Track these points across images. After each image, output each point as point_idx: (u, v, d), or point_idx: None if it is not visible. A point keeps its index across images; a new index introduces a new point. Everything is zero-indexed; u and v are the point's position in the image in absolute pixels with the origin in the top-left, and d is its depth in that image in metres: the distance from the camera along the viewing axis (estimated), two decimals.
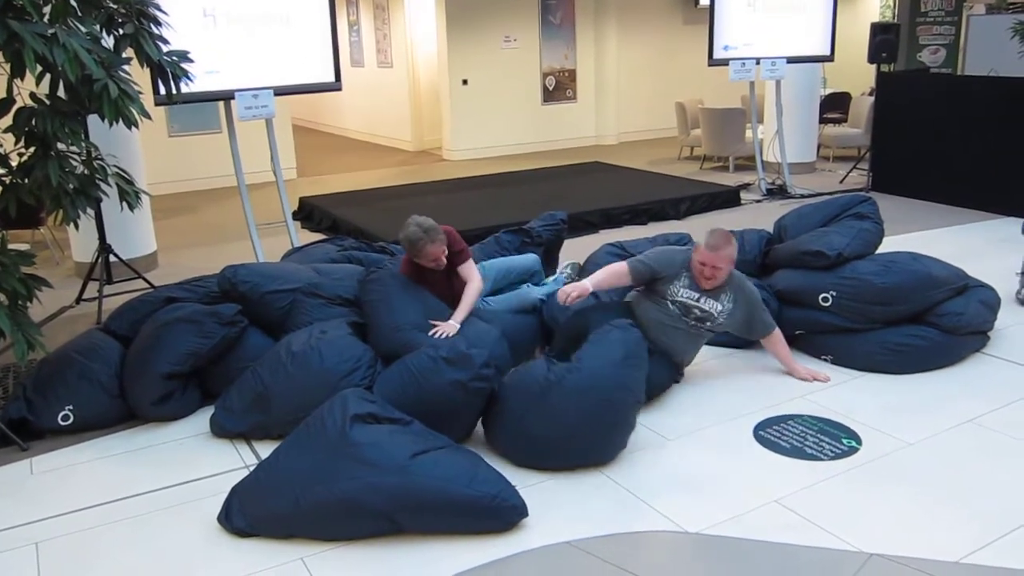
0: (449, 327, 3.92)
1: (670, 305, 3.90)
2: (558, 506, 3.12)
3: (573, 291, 3.83)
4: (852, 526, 2.94)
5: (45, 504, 3.26)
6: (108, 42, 3.75)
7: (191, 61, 3.98)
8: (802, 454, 3.45)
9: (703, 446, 3.55)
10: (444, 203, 7.76)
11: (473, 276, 4.17)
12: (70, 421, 3.78)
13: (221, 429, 3.75)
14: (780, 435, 3.61)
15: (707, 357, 4.38)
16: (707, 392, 4.05)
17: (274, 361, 3.78)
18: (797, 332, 4.41)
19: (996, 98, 7.39)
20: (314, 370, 3.68)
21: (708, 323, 3.93)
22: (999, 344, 4.49)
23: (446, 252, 4.10)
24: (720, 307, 3.91)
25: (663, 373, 3.92)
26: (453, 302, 4.12)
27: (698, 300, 3.89)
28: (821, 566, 2.75)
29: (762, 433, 3.63)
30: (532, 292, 4.51)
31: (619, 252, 5.34)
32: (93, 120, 4.59)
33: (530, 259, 4.74)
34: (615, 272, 3.98)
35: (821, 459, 3.41)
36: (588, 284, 3.88)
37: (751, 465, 3.38)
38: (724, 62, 8.39)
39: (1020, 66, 8.99)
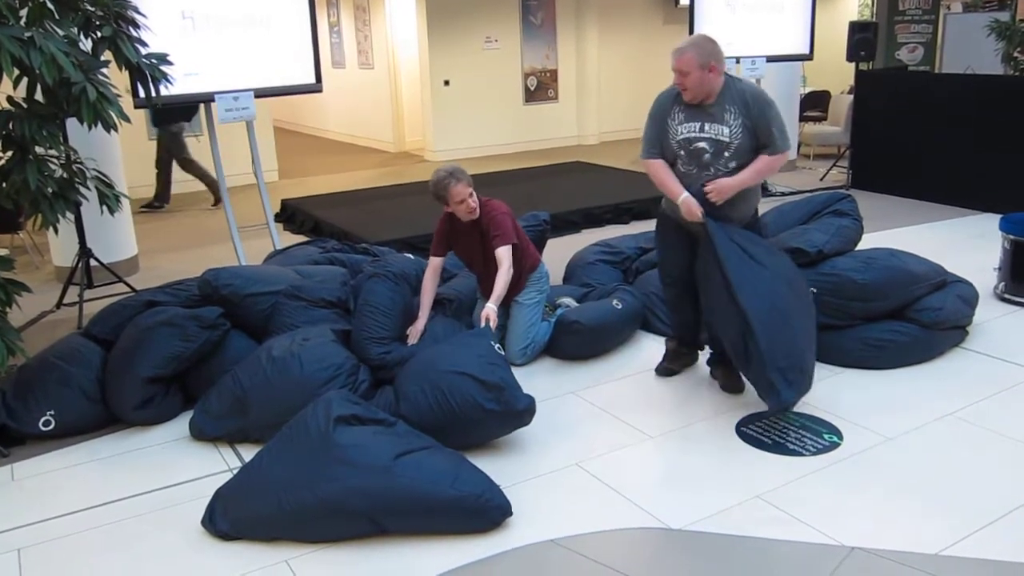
0: (489, 312, 3.98)
1: (678, 151, 3.64)
2: (542, 504, 3.12)
3: (693, 212, 3.61)
4: (833, 520, 2.97)
5: (27, 510, 3.23)
6: (86, 45, 3.73)
7: (170, 63, 3.97)
8: (784, 450, 3.48)
9: (686, 443, 3.57)
10: (426, 204, 7.71)
11: (503, 261, 4.14)
12: (51, 426, 3.75)
13: (200, 432, 3.74)
14: (762, 431, 3.63)
15: None
16: (690, 389, 4.08)
17: (254, 365, 3.77)
18: None
19: (973, 95, 7.46)
20: (293, 376, 3.66)
21: (726, 153, 3.60)
22: (977, 339, 4.54)
23: (474, 197, 4.16)
24: (728, 128, 3.57)
25: None
26: (485, 264, 4.22)
27: (700, 130, 3.60)
28: (803, 560, 2.77)
29: (744, 429, 3.65)
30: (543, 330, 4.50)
31: (606, 251, 5.38)
32: (72, 123, 4.56)
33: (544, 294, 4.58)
34: (656, 168, 3.74)
35: (803, 454, 3.43)
36: (683, 195, 3.61)
37: (734, 461, 3.41)
38: None
39: (996, 64, 9.10)
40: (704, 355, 4.32)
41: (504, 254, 4.15)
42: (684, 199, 3.64)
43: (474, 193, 4.18)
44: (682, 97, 3.67)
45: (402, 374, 3.69)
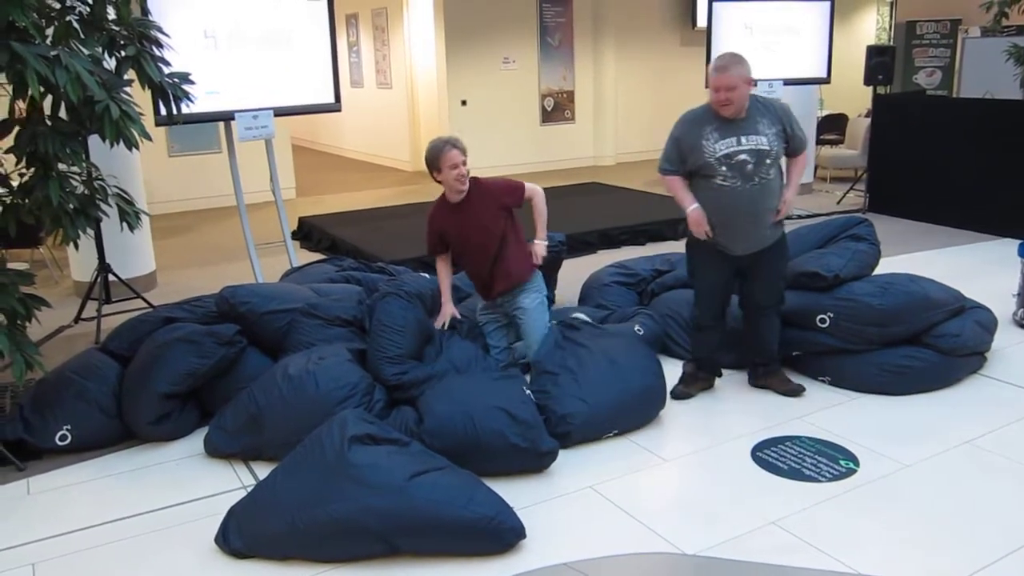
0: (538, 248, 4.15)
1: (719, 167, 3.76)
2: (556, 527, 3.11)
3: (699, 224, 3.87)
4: (849, 548, 2.94)
5: (42, 525, 3.25)
6: (110, 64, 3.78)
7: (192, 83, 4.01)
8: (800, 476, 3.45)
9: (701, 467, 3.56)
10: None
11: (535, 196, 4.22)
12: (68, 441, 3.77)
13: (214, 449, 3.75)
14: (778, 456, 3.61)
15: None
16: (705, 413, 4.06)
17: (270, 383, 3.78)
18: (795, 353, 4.41)
19: (991, 120, 7.43)
20: (308, 395, 3.67)
21: (767, 160, 3.77)
22: (996, 365, 4.50)
23: (466, 166, 4.09)
24: (766, 138, 3.76)
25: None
26: (483, 252, 4.17)
27: (738, 143, 3.75)
28: None
29: (760, 454, 3.63)
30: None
31: (622, 272, 5.38)
32: (94, 140, 4.61)
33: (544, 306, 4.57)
34: (672, 183, 3.94)
35: (819, 481, 3.41)
36: (693, 205, 3.87)
37: (749, 486, 3.38)
38: None
39: (1015, 88, 9.05)
40: (721, 380, 4.32)
41: (531, 191, 4.21)
42: (693, 209, 3.86)
43: (466, 163, 4.11)
44: (712, 116, 3.80)
45: (432, 393, 3.70)
